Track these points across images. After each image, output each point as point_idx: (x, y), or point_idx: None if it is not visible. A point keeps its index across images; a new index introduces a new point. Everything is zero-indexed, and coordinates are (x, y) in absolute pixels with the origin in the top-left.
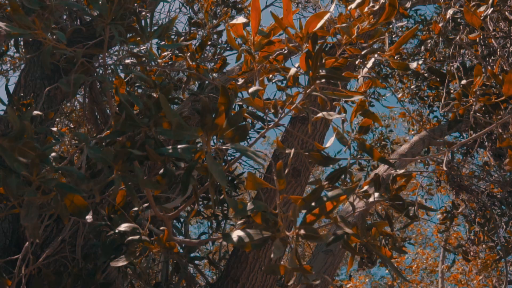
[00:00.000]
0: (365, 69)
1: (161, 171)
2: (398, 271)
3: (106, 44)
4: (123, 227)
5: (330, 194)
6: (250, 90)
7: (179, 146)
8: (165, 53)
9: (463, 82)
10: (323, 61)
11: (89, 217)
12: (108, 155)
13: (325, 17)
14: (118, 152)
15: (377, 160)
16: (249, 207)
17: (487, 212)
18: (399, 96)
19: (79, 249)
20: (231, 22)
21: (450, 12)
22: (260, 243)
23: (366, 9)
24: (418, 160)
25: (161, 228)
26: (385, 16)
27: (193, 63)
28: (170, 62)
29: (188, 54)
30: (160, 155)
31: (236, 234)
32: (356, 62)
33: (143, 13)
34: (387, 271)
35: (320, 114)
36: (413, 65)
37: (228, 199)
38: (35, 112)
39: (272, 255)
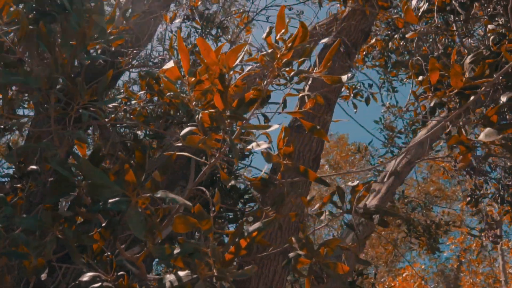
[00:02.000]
0: (307, 87)
1: (104, 223)
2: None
3: (52, 112)
4: (85, 276)
5: (251, 228)
6: (182, 132)
7: (110, 201)
8: (141, 92)
9: (420, 78)
10: (246, 92)
11: (43, 276)
12: (46, 220)
13: (243, 50)
14: (53, 215)
15: (313, 181)
16: (176, 251)
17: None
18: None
19: None
20: (162, 69)
21: (413, 3)
22: (194, 282)
23: (278, 36)
24: (440, 143)
25: (120, 273)
26: (299, 40)
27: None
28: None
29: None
30: (94, 212)
31: (168, 278)
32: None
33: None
34: (445, 253)
35: (249, 146)
36: (344, 78)
37: (154, 247)
38: (31, 167)
39: None
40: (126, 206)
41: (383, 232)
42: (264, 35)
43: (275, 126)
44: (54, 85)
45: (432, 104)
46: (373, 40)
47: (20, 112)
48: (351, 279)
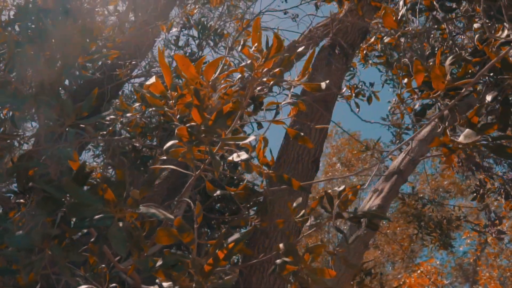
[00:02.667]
0: (289, 95)
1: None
2: None
3: (43, 131)
4: None
5: (230, 239)
6: (165, 146)
7: (95, 217)
8: (136, 105)
9: (405, 80)
10: (222, 106)
11: None
12: (36, 238)
13: (220, 64)
14: (43, 234)
15: (296, 189)
16: (159, 263)
17: None
18: None
19: None
20: (145, 84)
21: (401, 3)
22: None
23: (253, 48)
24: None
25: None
26: (274, 50)
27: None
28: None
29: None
30: (81, 229)
31: None
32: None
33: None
34: (461, 248)
35: (230, 157)
36: (323, 85)
37: (137, 260)
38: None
39: None
40: (111, 222)
41: (398, 228)
42: (240, 47)
43: (252, 138)
44: (40, 105)
45: (417, 106)
46: (373, 39)
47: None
48: (359, 278)
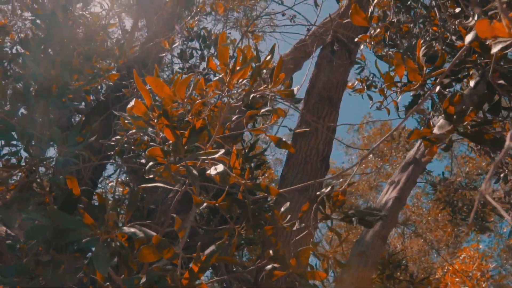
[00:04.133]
0: (269, 103)
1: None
2: None
3: (32, 161)
4: None
5: (206, 252)
6: (147, 166)
7: (84, 240)
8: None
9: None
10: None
11: None
12: (30, 266)
13: (192, 82)
14: (35, 260)
15: (274, 196)
16: (143, 280)
17: None
18: None
19: None
20: (128, 107)
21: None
22: None
23: (219, 63)
24: None
25: None
26: (240, 64)
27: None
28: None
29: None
30: (70, 253)
31: None
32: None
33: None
34: (504, 229)
35: (208, 171)
36: (295, 90)
37: (122, 278)
38: None
39: None
40: (97, 243)
41: (439, 215)
42: (206, 65)
43: (222, 151)
44: (30, 139)
45: (399, 99)
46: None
47: None
48: (389, 272)
